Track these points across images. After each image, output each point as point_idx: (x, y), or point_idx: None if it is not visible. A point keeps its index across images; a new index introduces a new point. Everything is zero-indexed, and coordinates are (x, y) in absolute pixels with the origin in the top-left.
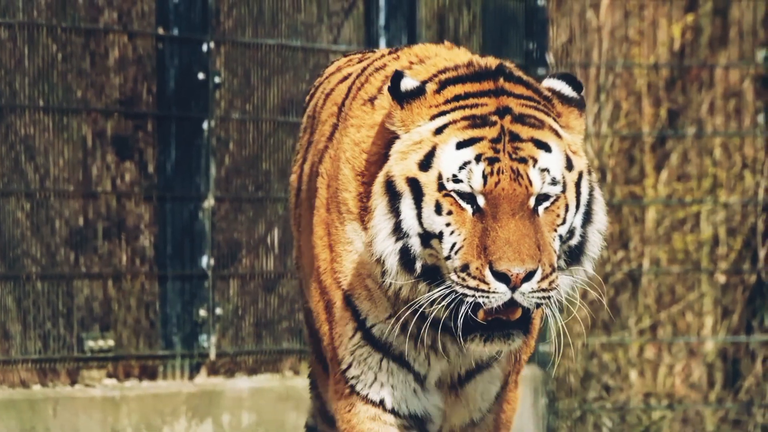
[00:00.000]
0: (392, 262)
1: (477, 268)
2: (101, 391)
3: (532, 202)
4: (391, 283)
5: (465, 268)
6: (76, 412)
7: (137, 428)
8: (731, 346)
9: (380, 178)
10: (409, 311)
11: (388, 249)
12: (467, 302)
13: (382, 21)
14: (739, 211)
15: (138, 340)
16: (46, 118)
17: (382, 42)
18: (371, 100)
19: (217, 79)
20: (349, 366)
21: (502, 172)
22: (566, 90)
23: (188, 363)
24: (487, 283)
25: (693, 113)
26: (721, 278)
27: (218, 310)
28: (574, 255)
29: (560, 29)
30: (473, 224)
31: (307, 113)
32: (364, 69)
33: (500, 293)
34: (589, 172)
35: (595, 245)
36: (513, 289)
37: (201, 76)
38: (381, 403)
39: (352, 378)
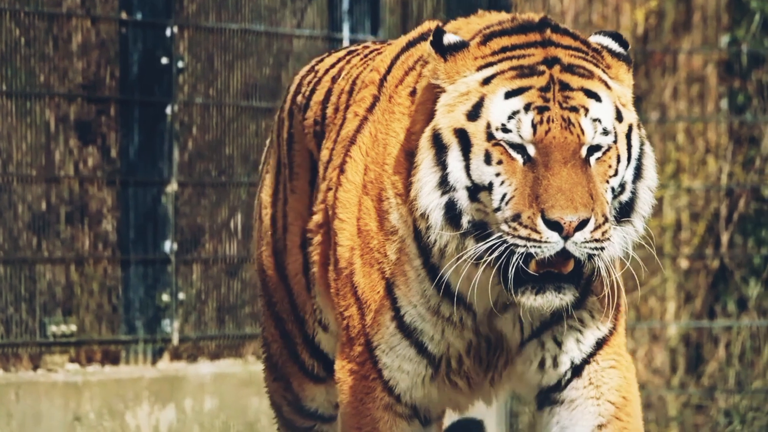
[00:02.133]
0: (437, 216)
1: (529, 217)
2: (63, 376)
3: (584, 151)
4: (436, 240)
5: (516, 217)
6: (38, 397)
7: (99, 413)
8: (694, 331)
9: (426, 133)
10: (453, 267)
11: (433, 203)
12: (519, 253)
13: (345, 6)
14: (702, 196)
15: (100, 325)
16: (9, 102)
17: (346, 27)
18: (413, 93)
19: (180, 64)
20: (382, 352)
21: (552, 121)
22: (614, 45)
23: (151, 348)
24: (539, 232)
25: (656, 98)
26: (684, 263)
27: (181, 295)
28: (624, 211)
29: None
30: (524, 174)
31: (341, 90)
32: (408, 42)
33: (552, 242)
34: (639, 126)
35: (645, 202)
36: (565, 238)
37: (164, 60)
38: (398, 393)
39: (382, 365)
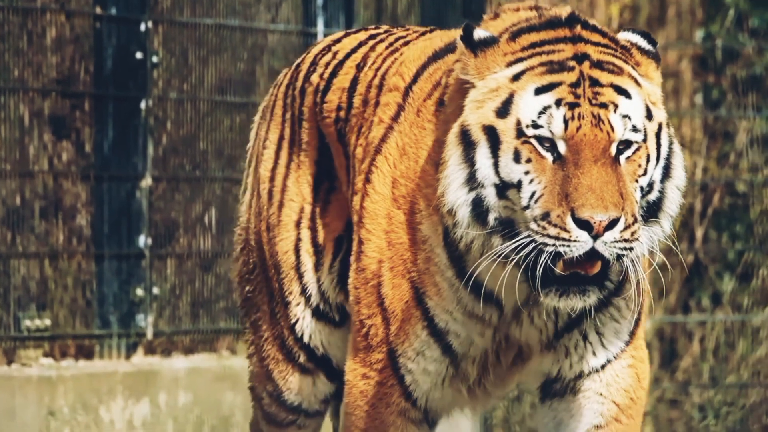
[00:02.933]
0: (464, 213)
1: (558, 216)
2: (38, 370)
3: (613, 149)
4: (462, 237)
5: (545, 216)
6: (12, 391)
7: (73, 408)
8: (668, 326)
9: (454, 129)
10: (482, 266)
11: (460, 199)
12: (547, 252)
13: (320, 1)
14: None
15: (75, 320)
16: None
17: (320, 22)
18: (441, 101)
19: (154, 59)
20: (408, 359)
21: (583, 117)
22: (642, 42)
23: (125, 342)
24: (568, 231)
25: None
26: (658, 258)
27: (155, 290)
28: (652, 211)
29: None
30: (554, 172)
31: (370, 83)
32: (435, 53)
33: (582, 242)
34: (668, 125)
35: (673, 202)
36: (595, 237)
37: (138, 55)
38: (416, 397)
39: (406, 371)
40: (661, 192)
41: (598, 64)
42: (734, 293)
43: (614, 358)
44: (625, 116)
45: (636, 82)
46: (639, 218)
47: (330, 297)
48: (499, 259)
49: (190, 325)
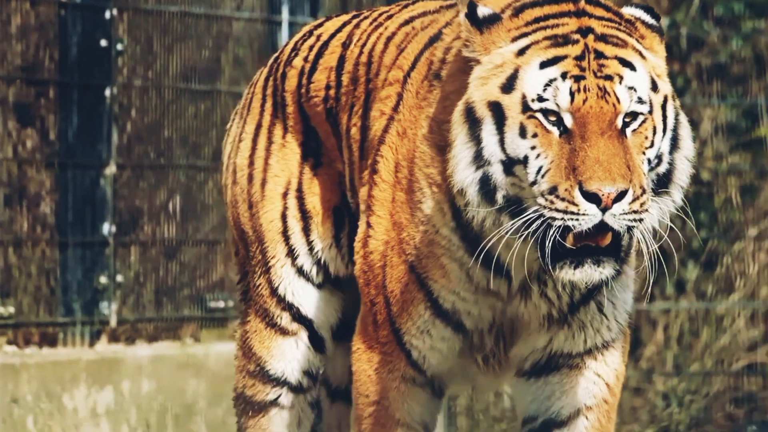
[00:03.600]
0: (473, 191)
1: (566, 190)
2: (1, 358)
3: (620, 121)
4: (473, 216)
5: (553, 190)
6: None
7: (37, 396)
8: (632, 313)
9: (459, 107)
10: (491, 242)
11: (468, 178)
12: (556, 226)
13: None
14: None
15: (38, 308)
16: None
17: (285, 10)
18: (437, 75)
19: (119, 46)
20: (413, 336)
21: (589, 90)
22: (646, 17)
23: (89, 330)
24: (576, 205)
25: None
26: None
27: (119, 278)
28: (661, 183)
29: None
30: (560, 146)
31: (357, 60)
32: (431, 39)
33: (590, 215)
34: (674, 98)
35: (683, 173)
36: (604, 210)
37: (103, 43)
38: (425, 369)
39: (411, 346)
40: (671, 163)
41: (603, 38)
42: (698, 281)
43: (621, 333)
44: (630, 88)
45: (641, 54)
46: (648, 189)
47: (330, 267)
48: (507, 236)
49: (153, 312)
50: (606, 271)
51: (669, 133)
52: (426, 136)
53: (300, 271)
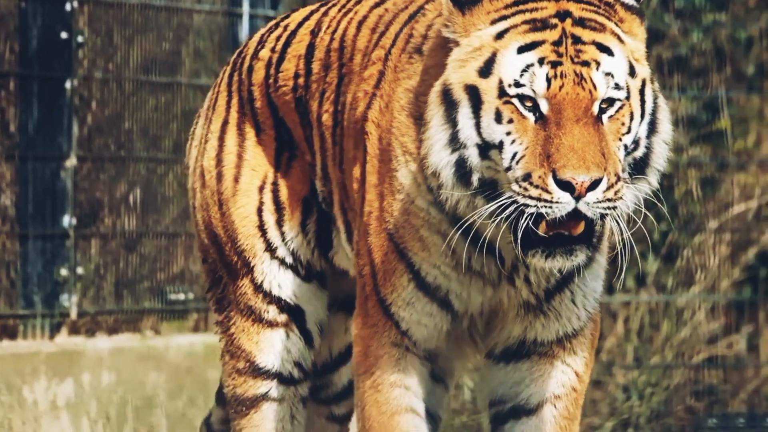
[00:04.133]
0: (448, 174)
1: (540, 177)
2: None
3: (596, 108)
4: (447, 198)
5: (527, 177)
6: None
7: None
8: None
9: (436, 88)
10: (464, 227)
11: (443, 161)
12: (528, 213)
13: None
14: None
15: None
16: None
17: (246, 2)
18: (417, 50)
19: (79, 39)
20: (399, 308)
21: (566, 76)
22: None
23: (49, 322)
24: (550, 192)
25: None
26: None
27: (79, 270)
28: (638, 167)
29: None
30: (535, 132)
31: (328, 46)
32: (411, 17)
33: (564, 203)
34: (653, 81)
35: (660, 156)
36: (577, 198)
37: (64, 35)
38: (414, 340)
39: (399, 318)
40: (648, 147)
41: (581, 22)
42: (659, 273)
43: (590, 321)
44: (607, 74)
45: (619, 38)
46: (622, 177)
47: (300, 255)
48: (481, 220)
49: (114, 305)
50: (577, 259)
51: (647, 118)
52: (404, 107)
53: (283, 263)
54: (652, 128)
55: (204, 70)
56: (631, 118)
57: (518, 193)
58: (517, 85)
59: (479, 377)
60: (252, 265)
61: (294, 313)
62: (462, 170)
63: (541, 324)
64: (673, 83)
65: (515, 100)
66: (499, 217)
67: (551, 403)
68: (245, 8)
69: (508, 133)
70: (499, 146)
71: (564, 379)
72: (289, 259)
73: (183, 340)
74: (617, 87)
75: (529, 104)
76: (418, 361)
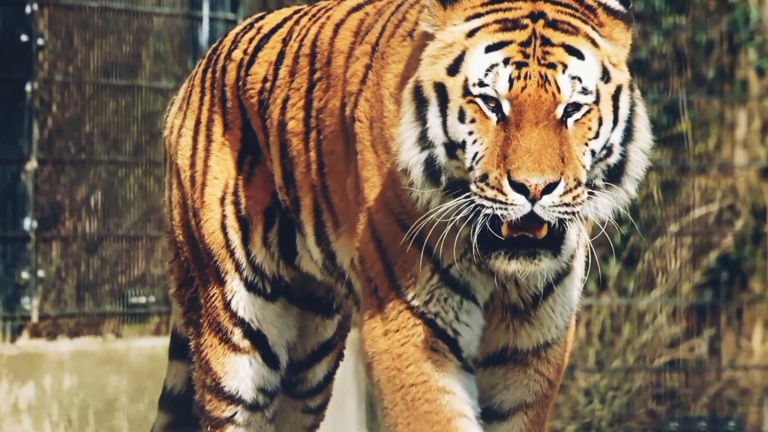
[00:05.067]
0: (417, 172)
1: (495, 178)
2: None
3: (559, 111)
4: (418, 197)
5: (484, 177)
6: None
7: None
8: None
9: (409, 84)
10: (425, 222)
11: (413, 159)
12: (484, 214)
13: None
14: None
15: None
16: None
17: (206, 5)
18: (410, 34)
19: (40, 41)
20: (425, 309)
21: (530, 77)
22: (613, 2)
23: (10, 325)
24: (504, 194)
25: None
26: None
27: (40, 273)
28: (614, 174)
29: None
30: (496, 133)
31: (297, 53)
32: (399, 6)
33: (519, 205)
34: (632, 88)
35: (637, 165)
36: (532, 201)
37: (24, 38)
38: (458, 345)
39: (431, 320)
40: (623, 155)
41: (553, 24)
42: (620, 277)
43: (565, 329)
44: (574, 77)
45: (593, 42)
46: (583, 182)
47: (266, 270)
48: (439, 219)
49: (75, 308)
50: (543, 263)
51: (622, 125)
52: (392, 94)
53: (248, 284)
54: (628, 136)
55: (164, 73)
56: (600, 124)
57: (475, 194)
58: (481, 84)
59: None
60: (223, 281)
61: (257, 339)
62: (431, 169)
63: (526, 332)
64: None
65: (479, 100)
66: (458, 217)
67: (522, 411)
68: (205, 11)
69: (470, 133)
70: (462, 146)
71: (536, 388)
72: (254, 278)
73: (144, 343)
74: (584, 91)
75: (492, 104)
76: (454, 368)
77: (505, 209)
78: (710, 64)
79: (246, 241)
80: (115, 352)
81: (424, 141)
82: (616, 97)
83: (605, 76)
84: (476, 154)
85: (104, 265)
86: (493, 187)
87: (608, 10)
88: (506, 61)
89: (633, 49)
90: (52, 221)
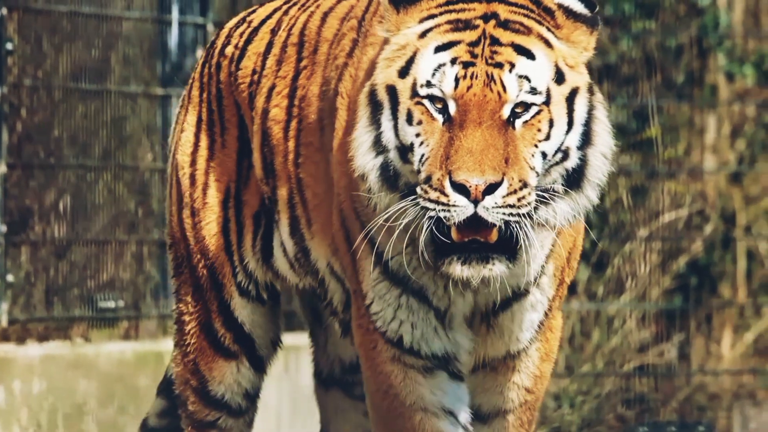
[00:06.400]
0: (374, 178)
1: (438, 179)
2: None
3: (505, 111)
4: (376, 203)
5: (428, 179)
6: None
7: None
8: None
9: (365, 89)
10: (377, 225)
11: (368, 164)
12: (429, 216)
13: None
14: None
15: None
16: None
17: (175, 9)
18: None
19: (9, 46)
20: (372, 302)
21: (476, 77)
22: (576, 5)
23: None
24: (446, 195)
25: None
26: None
27: (9, 277)
28: (573, 179)
29: None
30: (441, 134)
31: (285, 42)
32: None
33: (461, 206)
34: (591, 91)
35: (597, 169)
36: (475, 202)
37: None
38: (400, 343)
39: (374, 314)
40: (582, 159)
41: (504, 24)
42: (589, 282)
43: (536, 338)
44: (522, 77)
45: (546, 43)
46: (530, 184)
47: (258, 276)
48: (388, 223)
49: (44, 312)
50: (496, 268)
51: (579, 128)
52: (363, 83)
53: (241, 289)
54: (587, 140)
55: (133, 77)
56: (551, 125)
57: (420, 196)
58: (429, 85)
59: None
60: (220, 284)
61: (246, 342)
62: (387, 174)
63: (491, 341)
64: (602, 91)
65: (426, 101)
66: (405, 221)
67: (501, 416)
68: (174, 15)
69: (417, 135)
70: (411, 148)
71: (512, 395)
72: (246, 283)
73: (113, 347)
74: (533, 91)
75: (439, 105)
76: (422, 378)
77: (448, 211)
78: (680, 69)
79: (240, 245)
80: (84, 357)
81: (378, 146)
82: (571, 99)
83: (559, 78)
84: (423, 155)
85: (73, 269)
86: (435, 189)
87: (569, 12)
88: (453, 61)
89: (602, 53)
90: (21, 226)
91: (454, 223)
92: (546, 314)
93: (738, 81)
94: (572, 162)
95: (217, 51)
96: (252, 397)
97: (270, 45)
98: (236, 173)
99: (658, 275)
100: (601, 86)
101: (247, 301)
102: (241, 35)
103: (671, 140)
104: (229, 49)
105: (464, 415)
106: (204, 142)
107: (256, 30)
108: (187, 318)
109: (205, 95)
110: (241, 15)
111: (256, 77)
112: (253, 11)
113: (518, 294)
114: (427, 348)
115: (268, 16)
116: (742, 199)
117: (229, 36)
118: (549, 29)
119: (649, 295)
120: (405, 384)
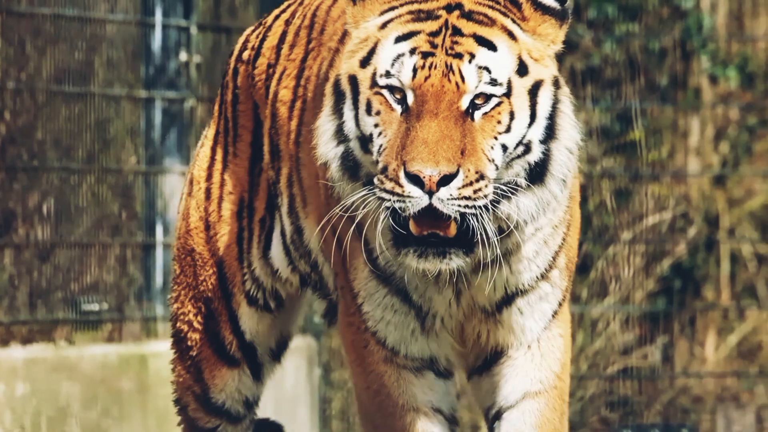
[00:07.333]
0: (335, 166)
1: (393, 170)
2: None
3: (464, 102)
4: (340, 192)
5: (384, 170)
6: None
7: None
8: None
9: (331, 79)
10: (336, 217)
11: (331, 153)
12: (384, 207)
13: None
14: None
15: None
16: None
17: (158, 12)
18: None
19: None
20: (363, 301)
21: (435, 67)
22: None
23: None
24: (401, 186)
25: None
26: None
27: None
28: (536, 173)
29: None
30: (399, 124)
31: (298, 28)
32: None
33: (415, 197)
34: (557, 85)
35: (561, 164)
36: (429, 193)
37: None
38: (386, 343)
39: (365, 314)
40: (546, 153)
41: (467, 14)
42: (572, 284)
43: (545, 330)
44: (481, 68)
45: (510, 35)
46: (488, 176)
47: (265, 283)
48: (347, 214)
49: (27, 315)
50: (454, 262)
51: (543, 121)
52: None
53: (249, 297)
54: (550, 133)
55: (117, 80)
56: (512, 118)
57: (377, 187)
58: (388, 75)
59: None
60: (230, 294)
61: (249, 351)
62: (348, 163)
63: (500, 332)
64: (586, 94)
65: (385, 91)
66: (364, 211)
67: (531, 398)
68: (158, 18)
69: (376, 125)
70: (370, 138)
71: (541, 376)
72: (254, 291)
73: (97, 350)
74: (493, 82)
75: (398, 96)
76: (414, 378)
77: (404, 201)
78: (663, 72)
79: (249, 251)
80: (67, 360)
81: (340, 135)
82: (534, 92)
83: (521, 70)
84: (381, 146)
85: (57, 272)
86: (391, 179)
87: (537, 5)
88: (412, 51)
89: (585, 56)
90: (5, 228)
91: (411, 215)
92: (560, 304)
93: (721, 84)
94: (535, 156)
95: (234, 58)
96: (251, 404)
97: (284, 34)
98: (248, 182)
99: (642, 278)
100: (585, 89)
101: (255, 310)
102: (257, 36)
103: (655, 143)
104: (245, 54)
105: (450, 409)
106: (219, 155)
107: (270, 27)
108: (190, 326)
109: (222, 106)
110: (259, 20)
111: (271, 70)
112: (269, 14)
113: (522, 291)
114: (406, 350)
115: (282, 11)
116: (726, 202)
117: (245, 41)
118: (514, 21)
119: (633, 297)
120: (398, 384)
